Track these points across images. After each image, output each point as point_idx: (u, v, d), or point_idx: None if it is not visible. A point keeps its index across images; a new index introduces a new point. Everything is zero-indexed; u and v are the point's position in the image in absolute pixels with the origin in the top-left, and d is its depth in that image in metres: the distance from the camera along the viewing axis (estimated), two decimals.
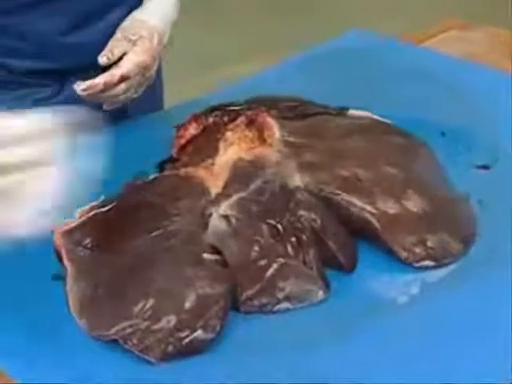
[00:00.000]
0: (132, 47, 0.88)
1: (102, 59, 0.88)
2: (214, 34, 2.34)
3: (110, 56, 0.88)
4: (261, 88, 0.98)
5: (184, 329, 0.66)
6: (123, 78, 0.87)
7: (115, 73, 0.86)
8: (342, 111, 0.92)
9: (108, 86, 0.86)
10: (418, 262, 0.74)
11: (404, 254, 0.74)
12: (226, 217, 0.76)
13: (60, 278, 0.74)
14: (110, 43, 0.89)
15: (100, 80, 0.85)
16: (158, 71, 0.99)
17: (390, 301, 0.71)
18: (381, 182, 0.80)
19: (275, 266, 0.72)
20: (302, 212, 0.76)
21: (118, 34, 0.90)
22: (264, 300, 0.71)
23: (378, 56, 1.08)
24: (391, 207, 0.77)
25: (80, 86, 0.86)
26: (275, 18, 2.61)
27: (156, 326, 0.67)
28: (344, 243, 0.76)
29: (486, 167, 0.88)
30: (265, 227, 0.75)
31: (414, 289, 0.72)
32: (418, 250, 0.74)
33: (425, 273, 0.74)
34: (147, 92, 0.93)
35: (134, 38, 0.88)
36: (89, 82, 0.85)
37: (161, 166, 0.86)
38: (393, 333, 0.68)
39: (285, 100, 0.93)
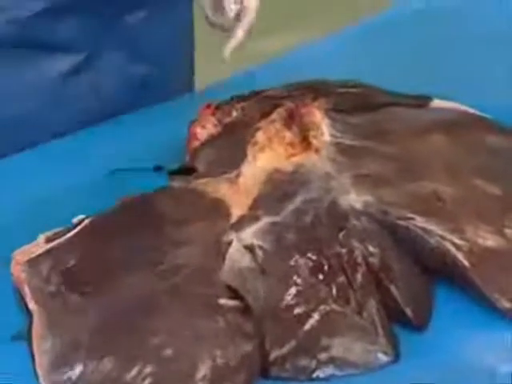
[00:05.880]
0: None
1: (231, 14, 1.06)
2: None
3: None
4: (305, 68, 1.00)
5: None
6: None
7: (246, 22, 1.05)
8: (423, 101, 0.94)
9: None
10: None
11: (506, 305, 0.75)
12: (249, 247, 0.78)
13: (21, 337, 0.74)
14: None
15: (239, 36, 1.05)
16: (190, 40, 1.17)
17: (483, 371, 0.71)
18: (472, 203, 0.81)
19: (316, 315, 0.74)
20: (355, 243, 0.77)
21: None
22: (301, 362, 0.72)
23: (467, 19, 1.08)
24: (486, 237, 0.78)
25: (228, 50, 1.05)
26: None
27: None
28: (413, 288, 0.76)
29: None
30: (303, 262, 0.76)
31: None
32: None
33: None
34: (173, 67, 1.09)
35: None
36: (233, 44, 1.05)
37: (170, 177, 0.89)
38: None
39: (340, 85, 0.95)
